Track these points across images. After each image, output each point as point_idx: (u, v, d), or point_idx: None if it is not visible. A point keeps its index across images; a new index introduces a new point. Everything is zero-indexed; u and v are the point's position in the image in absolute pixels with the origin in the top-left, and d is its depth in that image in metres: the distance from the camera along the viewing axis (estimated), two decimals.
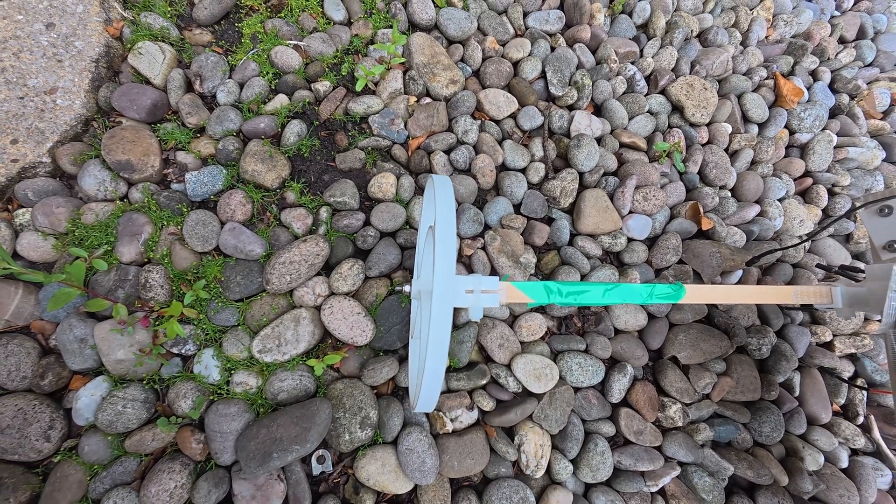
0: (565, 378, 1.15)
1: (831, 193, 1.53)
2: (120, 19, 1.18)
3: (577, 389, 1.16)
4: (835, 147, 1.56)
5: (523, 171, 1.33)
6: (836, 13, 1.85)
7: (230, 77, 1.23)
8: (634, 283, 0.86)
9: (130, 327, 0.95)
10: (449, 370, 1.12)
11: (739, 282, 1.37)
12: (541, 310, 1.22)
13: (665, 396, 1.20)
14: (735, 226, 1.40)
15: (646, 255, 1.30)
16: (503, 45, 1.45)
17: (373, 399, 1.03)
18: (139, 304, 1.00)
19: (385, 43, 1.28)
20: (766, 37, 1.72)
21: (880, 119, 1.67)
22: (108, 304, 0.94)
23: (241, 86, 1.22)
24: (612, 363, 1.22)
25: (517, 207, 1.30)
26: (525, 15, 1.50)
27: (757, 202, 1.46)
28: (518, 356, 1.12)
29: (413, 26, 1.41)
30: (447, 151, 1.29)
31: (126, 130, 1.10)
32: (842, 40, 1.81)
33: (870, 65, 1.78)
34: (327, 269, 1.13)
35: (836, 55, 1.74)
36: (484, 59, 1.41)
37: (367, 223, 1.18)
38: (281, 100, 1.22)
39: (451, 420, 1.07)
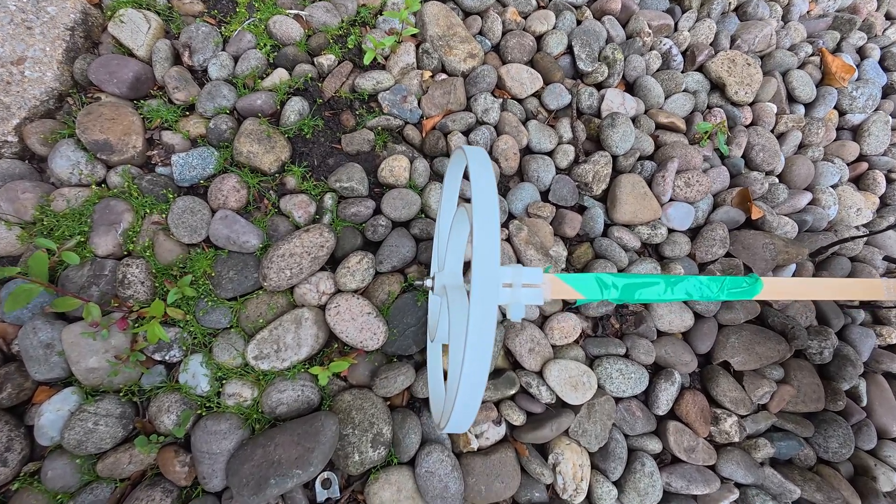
0: (604, 387, 1.00)
1: (889, 180, 1.38)
2: None
3: (618, 400, 1.01)
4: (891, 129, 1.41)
5: (550, 154, 1.19)
6: None
7: (223, 49, 1.10)
8: (702, 276, 0.72)
9: (105, 330, 0.82)
10: None
11: (794, 276, 1.22)
12: (574, 308, 1.08)
13: (717, 408, 1.05)
14: (786, 215, 1.26)
15: (689, 247, 1.16)
16: (525, 18, 1.31)
17: (386, 412, 0.89)
18: (116, 303, 0.86)
19: (396, 10, 1.14)
20: (809, 11, 1.58)
21: None
22: (79, 304, 0.80)
23: (236, 59, 1.09)
24: (656, 370, 1.07)
25: (545, 195, 1.16)
26: None
27: (808, 189, 1.32)
28: (551, 362, 0.98)
29: None
30: (466, 132, 1.15)
31: (105, 107, 0.97)
32: (888, 16, 1.66)
33: None
34: (333, 263, 0.99)
35: (884, 31, 1.60)
36: (504, 33, 1.27)
37: (377, 211, 1.05)
38: (280, 74, 1.08)
39: (477, 436, 0.92)
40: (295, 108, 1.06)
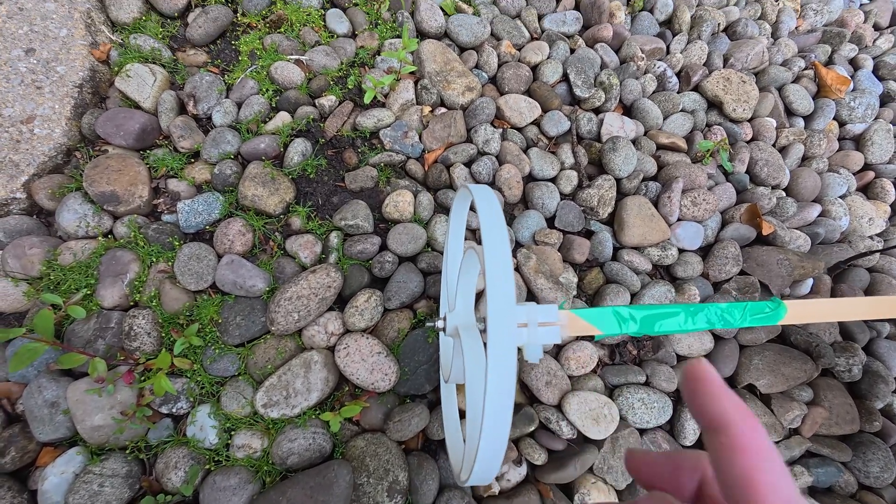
0: (627, 418, 0.96)
1: None
2: (107, 42, 1.09)
3: (642, 432, 0.97)
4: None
5: (553, 180, 1.19)
6: (866, 0, 1.75)
7: (227, 97, 1.12)
8: (722, 303, 0.70)
9: (111, 385, 0.80)
10: None
11: (812, 292, 1.19)
12: (588, 336, 1.05)
13: None
14: (797, 228, 1.24)
15: (701, 266, 1.14)
16: (519, 49, 1.34)
17: (401, 458, 0.85)
18: (122, 356, 0.85)
19: (394, 50, 1.17)
20: (797, 27, 1.61)
21: None
22: (85, 359, 0.79)
23: (239, 105, 1.11)
24: (679, 397, 1.03)
25: (550, 221, 1.15)
26: (540, 18, 1.40)
27: (816, 201, 1.30)
28: (569, 395, 0.95)
29: (421, 35, 1.31)
30: (468, 164, 1.15)
31: (111, 159, 0.98)
32: (877, 27, 1.69)
33: None
34: (340, 302, 0.98)
35: (875, 42, 1.62)
36: (500, 65, 1.30)
37: (383, 248, 1.04)
38: (282, 117, 1.10)
39: (497, 479, 0.88)
40: (298, 150, 1.07)
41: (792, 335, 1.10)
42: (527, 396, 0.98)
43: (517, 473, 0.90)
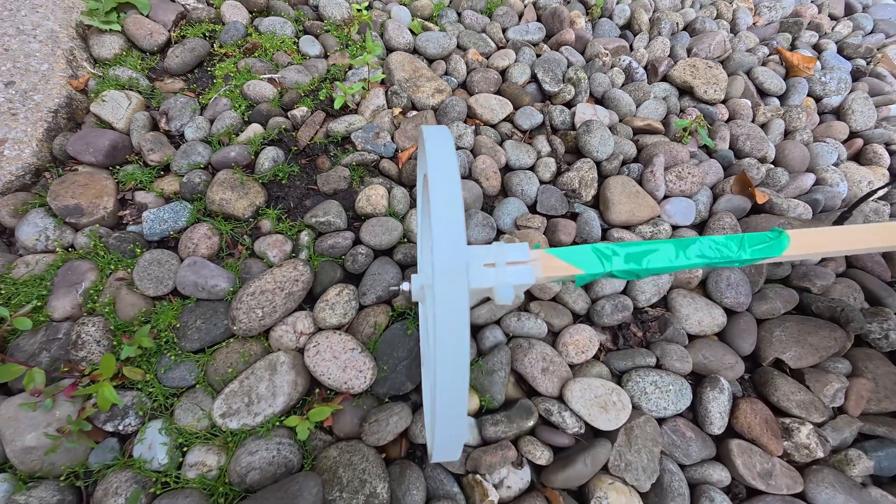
0: (640, 406, 0.84)
1: (891, 152, 1.32)
2: (87, 74, 1.14)
3: (661, 421, 0.84)
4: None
5: (532, 168, 1.16)
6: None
7: (200, 114, 1.14)
8: (717, 236, 0.62)
9: (49, 400, 0.71)
10: (481, 412, 0.83)
11: (824, 259, 1.10)
12: (586, 319, 0.96)
13: (784, 416, 0.86)
14: (795, 198, 1.18)
15: None
16: (487, 57, 1.39)
17: (380, 466, 0.73)
18: (67, 367, 0.77)
19: (361, 57, 1.20)
20: (754, 23, 1.67)
21: None
22: (23, 370, 0.71)
23: (212, 122, 1.13)
24: (697, 379, 0.91)
25: (532, 207, 1.10)
26: (504, 30, 1.47)
27: (809, 171, 1.25)
28: (570, 382, 0.83)
29: (391, 51, 1.36)
30: None
31: (79, 175, 0.97)
32: (832, 17, 1.75)
33: (871, 33, 1.70)
34: (312, 301, 0.90)
35: (833, 28, 1.68)
36: (469, 71, 1.33)
37: (356, 243, 0.99)
38: (254, 129, 1.11)
39: (496, 486, 0.75)
40: (269, 156, 1.06)
41: (812, 304, 0.99)
42: (523, 390, 0.87)
43: (519, 479, 0.76)
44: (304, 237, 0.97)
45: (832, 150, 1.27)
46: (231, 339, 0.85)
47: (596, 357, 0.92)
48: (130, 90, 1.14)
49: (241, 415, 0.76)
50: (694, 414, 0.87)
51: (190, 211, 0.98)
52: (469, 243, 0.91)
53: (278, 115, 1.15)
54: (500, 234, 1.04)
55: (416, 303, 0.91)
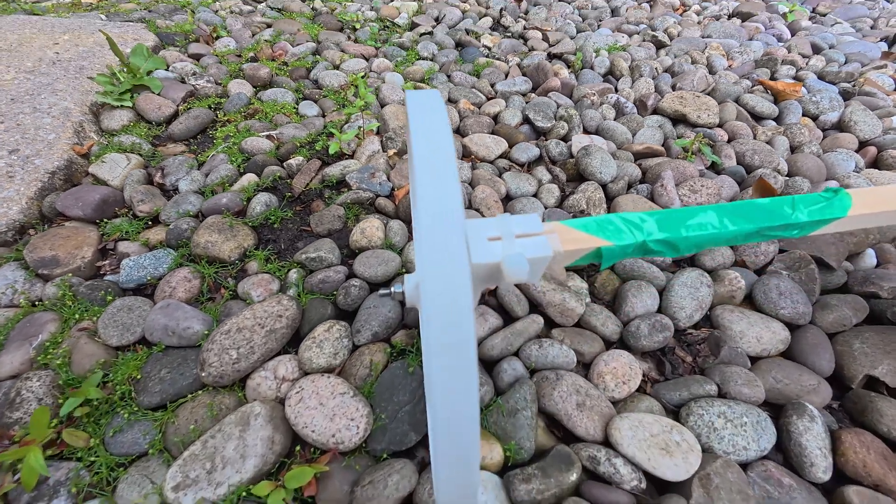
0: (711, 446, 0.65)
1: None
2: (92, 141, 1.17)
3: (743, 466, 0.64)
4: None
5: (535, 195, 1.11)
6: (780, 44, 1.95)
7: (197, 170, 1.14)
8: (761, 198, 0.53)
9: None
10: (507, 467, 0.64)
11: (879, 264, 0.97)
12: (621, 345, 0.81)
13: None
14: None
15: (731, 254, 0.95)
16: (479, 107, 1.44)
17: None
18: None
19: (359, 120, 1.23)
20: (730, 66, 1.75)
21: None
22: None
23: (207, 175, 1.13)
24: (774, 411, 0.72)
25: None
26: (492, 84, 1.55)
27: (830, 179, 1.18)
28: (616, 420, 0.66)
29: (384, 106, 1.42)
30: None
31: (63, 229, 0.93)
32: (804, 55, 1.84)
33: (845, 64, 1.76)
34: (297, 343, 0.78)
35: (807, 63, 1.75)
36: (462, 118, 1.37)
37: (350, 277, 0.89)
38: (249, 178, 1.10)
39: None
40: (261, 200, 1.03)
41: (888, 310, 0.84)
42: (556, 435, 0.69)
43: None
44: (293, 275, 0.89)
45: (847, 157, 1.21)
46: (199, 392, 0.71)
47: (640, 390, 0.75)
48: (132, 153, 1.16)
49: (200, 485, 0.59)
50: (784, 455, 0.67)
51: (173, 258, 0.91)
52: None
53: (274, 165, 1.15)
54: None
55: (419, 335, 0.78)
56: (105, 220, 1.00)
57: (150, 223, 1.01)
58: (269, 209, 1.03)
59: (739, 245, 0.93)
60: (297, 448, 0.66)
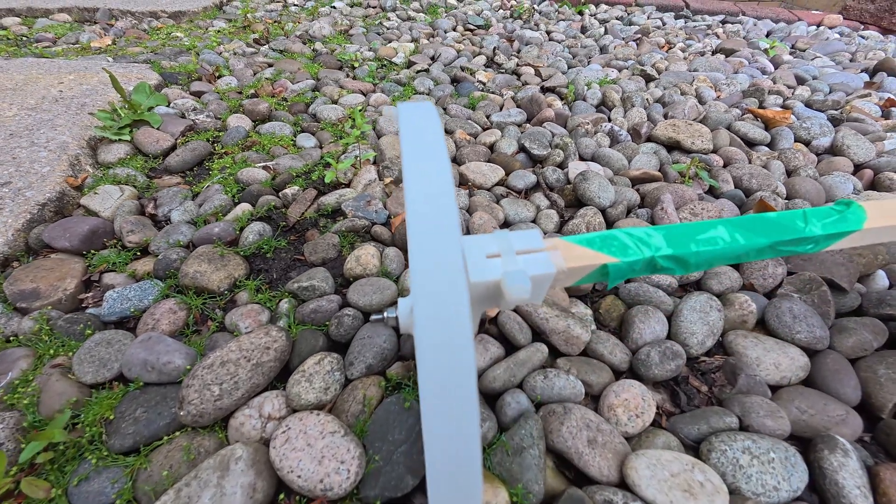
0: (738, 487, 0.59)
1: None
2: (86, 174, 1.17)
3: None
4: None
5: (533, 221, 1.09)
6: (765, 76, 2.02)
7: (192, 200, 1.13)
8: (772, 212, 0.50)
9: None
10: None
11: (892, 286, 0.94)
12: (631, 374, 0.76)
13: None
14: None
15: (738, 276, 0.92)
16: (475, 136, 1.45)
17: None
18: None
19: (357, 150, 1.24)
20: (718, 97, 1.80)
21: (885, 120, 1.57)
22: None
23: (200, 205, 1.11)
24: (801, 444, 0.67)
25: None
26: (488, 116, 1.58)
27: (829, 202, 1.17)
28: (632, 458, 0.61)
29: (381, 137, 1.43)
30: None
31: (48, 261, 0.90)
32: (789, 86, 1.90)
33: (830, 93, 1.82)
34: (286, 376, 0.73)
35: (793, 93, 1.80)
36: (458, 147, 1.38)
37: (344, 306, 0.86)
38: (243, 207, 1.08)
39: None
40: (254, 230, 1.01)
41: None
42: (567, 477, 0.63)
43: None
44: (284, 305, 0.85)
45: (845, 180, 1.21)
46: (177, 433, 0.65)
47: (655, 423, 0.69)
48: (126, 185, 1.15)
49: None
50: (819, 495, 0.61)
51: (160, 289, 0.88)
52: None
53: (269, 195, 1.14)
54: None
55: (416, 366, 0.73)
56: (92, 251, 0.97)
57: (138, 254, 0.98)
58: (263, 238, 1.01)
59: (751, 261, 0.90)
60: (282, 497, 0.59)
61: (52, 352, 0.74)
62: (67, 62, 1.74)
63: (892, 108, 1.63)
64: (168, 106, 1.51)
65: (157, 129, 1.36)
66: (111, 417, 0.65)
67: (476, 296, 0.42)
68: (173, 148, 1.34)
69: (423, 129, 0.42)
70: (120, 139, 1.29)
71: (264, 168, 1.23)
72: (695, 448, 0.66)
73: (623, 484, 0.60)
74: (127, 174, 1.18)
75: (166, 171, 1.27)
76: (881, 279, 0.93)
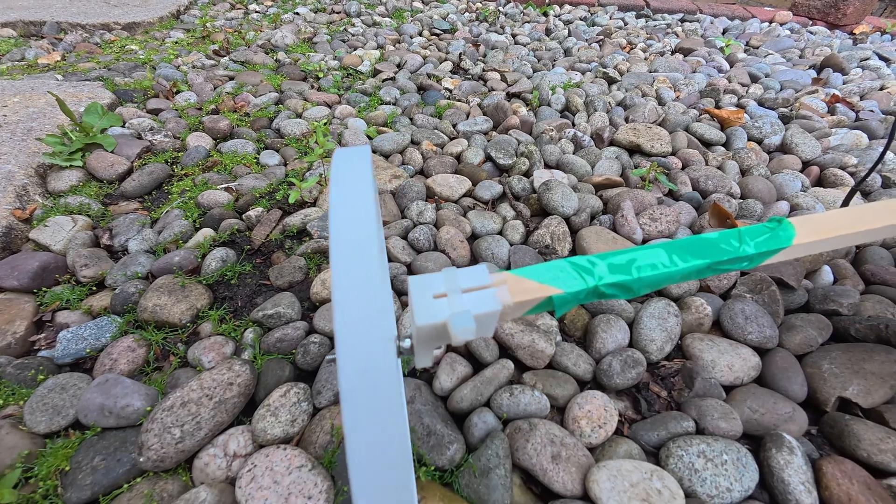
0: (694, 491, 0.62)
1: (850, 173, 1.33)
2: (35, 205, 1.11)
3: None
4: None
5: (500, 233, 1.11)
6: (721, 75, 2.10)
7: (150, 227, 1.09)
8: (708, 233, 0.53)
9: None
10: None
11: (836, 280, 0.99)
12: (595, 385, 0.78)
13: (883, 475, 0.64)
14: None
15: (696, 281, 0.96)
16: (441, 147, 1.46)
17: None
18: None
19: (315, 150, 1.23)
20: (677, 97, 1.86)
21: (830, 116, 1.65)
22: None
23: (160, 232, 1.08)
24: (753, 442, 0.70)
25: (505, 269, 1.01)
26: (454, 125, 1.58)
27: (781, 200, 1.23)
28: (594, 470, 0.63)
29: None
30: (404, 236, 1.08)
31: None
32: (743, 84, 1.98)
33: (781, 90, 1.90)
34: (252, 410, 0.72)
35: (748, 91, 1.87)
36: (425, 159, 1.38)
37: (311, 332, 0.85)
38: (205, 233, 1.06)
39: None
40: (217, 256, 0.99)
41: (850, 327, 0.85)
42: (534, 492, 0.64)
43: None
44: (249, 335, 0.83)
45: (794, 178, 1.27)
46: (138, 479, 0.64)
47: (618, 432, 0.72)
48: (79, 214, 1.11)
49: None
50: (769, 492, 0.64)
51: (118, 325, 0.85)
52: None
53: (232, 218, 1.12)
54: None
55: None
56: (44, 288, 0.93)
57: (94, 289, 0.95)
58: (226, 265, 0.99)
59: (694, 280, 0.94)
60: None
61: (0, 402, 0.71)
62: (12, 82, 1.66)
63: (837, 104, 1.72)
64: (123, 126, 1.46)
65: (112, 152, 1.31)
66: (67, 468, 0.63)
67: (424, 336, 0.42)
68: (129, 172, 1.29)
69: (352, 179, 0.42)
70: (71, 165, 1.23)
71: (226, 190, 1.21)
72: (655, 454, 0.68)
73: (586, 496, 0.61)
74: (80, 203, 1.13)
75: (122, 196, 1.22)
76: (826, 274, 0.99)
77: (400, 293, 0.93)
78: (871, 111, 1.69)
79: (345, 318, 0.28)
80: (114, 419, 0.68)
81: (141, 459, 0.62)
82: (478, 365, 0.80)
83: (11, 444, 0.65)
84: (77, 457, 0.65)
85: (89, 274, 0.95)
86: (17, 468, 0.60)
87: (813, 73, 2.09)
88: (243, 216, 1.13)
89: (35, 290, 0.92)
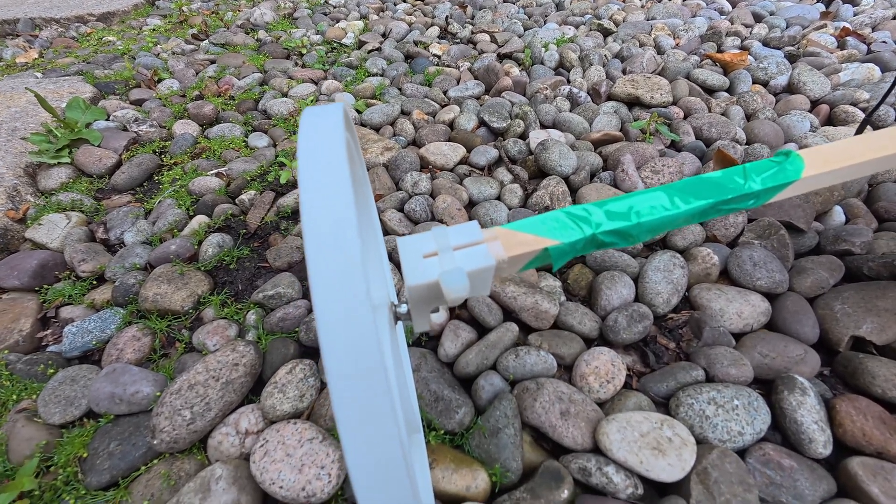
0: (705, 437, 0.62)
1: (862, 109, 1.27)
2: (28, 204, 1.11)
3: (741, 453, 0.61)
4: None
5: (498, 198, 1.08)
6: (722, 17, 1.99)
7: (144, 219, 1.08)
8: (711, 172, 0.50)
9: None
10: (495, 493, 0.60)
11: (848, 220, 0.96)
12: (602, 341, 0.77)
13: None
14: None
15: (701, 231, 0.93)
16: (433, 116, 1.41)
17: None
18: None
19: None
20: (677, 44, 1.77)
21: (840, 51, 1.57)
22: None
23: (154, 223, 1.07)
24: (765, 388, 0.70)
25: None
26: (445, 92, 1.53)
27: (789, 142, 1.18)
28: (603, 423, 0.62)
29: None
30: (400, 208, 1.06)
31: None
32: (746, 25, 1.87)
33: (787, 28, 1.80)
34: (260, 388, 0.73)
35: (751, 32, 1.77)
36: (417, 129, 1.34)
37: (312, 309, 0.84)
38: (199, 220, 1.05)
39: None
40: (213, 242, 0.98)
41: (863, 266, 0.82)
42: (545, 449, 0.65)
43: None
44: (251, 317, 0.83)
45: (802, 118, 1.22)
46: (155, 461, 0.65)
47: (627, 386, 0.71)
48: (72, 211, 1.10)
49: None
50: (782, 433, 0.64)
51: (121, 316, 0.85)
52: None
53: (225, 203, 1.10)
54: None
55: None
56: (45, 286, 0.93)
57: (94, 283, 0.95)
58: (223, 250, 0.98)
59: (699, 223, 0.91)
60: None
61: (14, 397, 0.72)
62: None
63: (848, 38, 1.63)
64: (107, 119, 1.43)
65: (99, 146, 1.29)
66: (85, 455, 0.64)
67: (417, 297, 0.41)
68: (118, 165, 1.27)
69: (323, 140, 0.39)
70: (59, 162, 1.22)
71: (217, 175, 1.19)
72: (665, 405, 0.68)
73: (597, 449, 0.62)
74: (72, 199, 1.12)
75: (114, 190, 1.21)
76: (838, 215, 0.95)
77: (399, 265, 0.92)
78: (884, 42, 1.59)
79: (318, 271, 0.26)
80: (125, 406, 0.69)
81: (155, 442, 0.63)
82: (482, 330, 0.79)
83: (28, 435, 0.66)
84: (94, 444, 0.66)
85: (88, 268, 0.94)
86: (35, 457, 0.61)
87: (821, 7, 1.97)
88: (236, 200, 1.11)
89: (37, 289, 0.93)
